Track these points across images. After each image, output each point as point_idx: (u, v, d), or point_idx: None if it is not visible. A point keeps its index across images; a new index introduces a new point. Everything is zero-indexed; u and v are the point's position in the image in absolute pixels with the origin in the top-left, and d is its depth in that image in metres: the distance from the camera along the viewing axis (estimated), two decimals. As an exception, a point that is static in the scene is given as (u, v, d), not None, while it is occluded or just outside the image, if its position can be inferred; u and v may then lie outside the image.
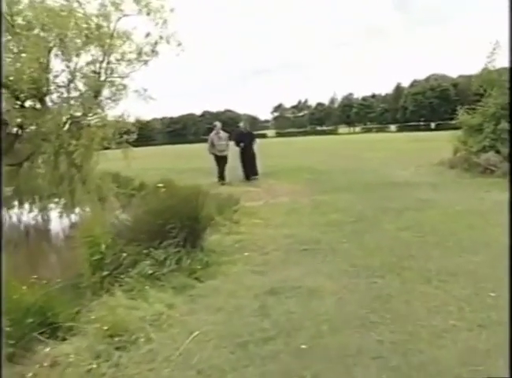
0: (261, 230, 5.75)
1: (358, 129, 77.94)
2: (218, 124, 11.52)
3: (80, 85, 8.24)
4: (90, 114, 7.87)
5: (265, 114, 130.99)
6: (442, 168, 10.54)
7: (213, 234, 5.58)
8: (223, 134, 11.19)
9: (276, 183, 10.36)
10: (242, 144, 11.31)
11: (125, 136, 8.63)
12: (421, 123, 66.75)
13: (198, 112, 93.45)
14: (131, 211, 5.96)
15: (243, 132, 12.00)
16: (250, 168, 11.34)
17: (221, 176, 11.06)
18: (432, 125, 63.12)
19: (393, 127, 69.57)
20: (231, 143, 11.51)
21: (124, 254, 3.98)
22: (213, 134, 11.19)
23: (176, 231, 4.22)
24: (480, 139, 10.26)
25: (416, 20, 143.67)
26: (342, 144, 29.11)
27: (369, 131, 70.86)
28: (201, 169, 14.82)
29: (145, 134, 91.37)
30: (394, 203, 6.75)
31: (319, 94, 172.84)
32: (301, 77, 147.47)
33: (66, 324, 2.99)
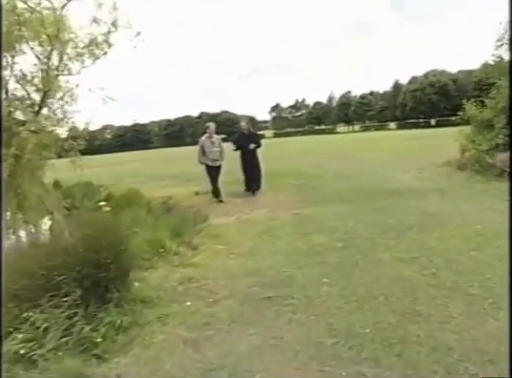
0: (220, 261, 4.43)
1: (356, 127, 76.62)
2: (212, 125, 8.75)
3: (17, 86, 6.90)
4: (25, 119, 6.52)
5: (262, 115, 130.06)
6: (449, 170, 9.19)
7: (158, 268, 4.27)
8: (216, 138, 8.57)
9: (258, 190, 9.04)
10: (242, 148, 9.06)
11: (74, 143, 7.26)
12: (421, 120, 65.47)
13: (195, 113, 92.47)
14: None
15: (244, 134, 9.48)
16: (253, 179, 9.02)
17: (215, 191, 8.53)
18: (432, 122, 61.91)
19: (392, 124, 68.34)
20: (227, 147, 8.96)
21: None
22: (204, 137, 8.55)
23: (75, 279, 2.89)
24: (491, 136, 8.92)
25: (413, 18, 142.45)
26: (339, 144, 27.78)
27: (367, 129, 69.62)
28: (185, 175, 13.55)
29: (142, 137, 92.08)
30: (393, 218, 5.41)
31: (316, 93, 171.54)
32: (298, 76, 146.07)
33: None
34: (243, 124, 10.11)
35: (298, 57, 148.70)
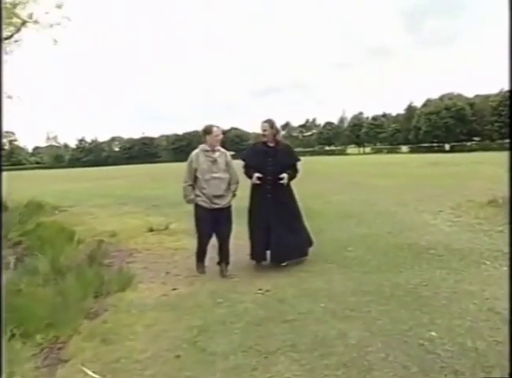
0: None
1: (367, 149, 74.26)
2: (216, 129, 4.40)
3: None
4: None
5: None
6: (498, 212, 6.59)
7: None
8: (222, 154, 4.47)
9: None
10: (257, 175, 4.38)
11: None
12: (435, 144, 62.89)
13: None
14: None
15: (263, 146, 4.59)
16: (282, 247, 4.46)
17: (200, 255, 4.64)
18: (447, 147, 59.27)
19: (405, 147, 65.92)
20: (240, 168, 4.62)
21: None
22: (198, 152, 4.42)
23: None
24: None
25: (428, 41, 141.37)
26: (349, 167, 25.28)
27: (379, 151, 67.24)
28: (158, 199, 11.21)
29: (149, 151, 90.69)
30: (443, 321, 2.90)
31: (328, 113, 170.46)
32: (310, 97, 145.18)
33: None
34: (265, 125, 4.54)
35: (312, 78, 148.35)
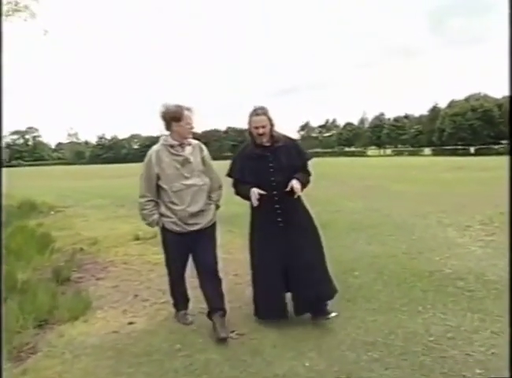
0: None
1: (388, 151, 72.25)
2: (187, 112, 2.91)
3: None
4: None
5: (291, 134, 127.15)
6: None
7: None
8: (194, 151, 3.02)
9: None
10: (256, 192, 2.90)
11: None
12: (459, 147, 60.46)
13: (222, 128, 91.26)
14: None
15: (260, 148, 3.07)
16: (300, 297, 3.04)
17: (178, 301, 3.33)
18: (472, 150, 56.85)
19: (427, 150, 63.70)
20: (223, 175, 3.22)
21: None
22: (159, 148, 2.99)
23: None
24: None
25: (453, 41, 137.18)
26: (368, 169, 24.07)
27: (400, 153, 65.19)
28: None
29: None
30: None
31: (348, 114, 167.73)
32: (330, 97, 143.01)
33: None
34: (260, 119, 2.99)
35: (333, 79, 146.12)
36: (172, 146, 2.96)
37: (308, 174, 3.21)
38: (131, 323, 3.33)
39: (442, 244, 5.21)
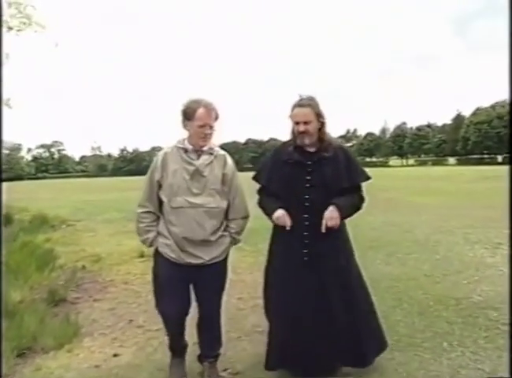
0: None
1: (411, 161, 70.79)
2: (202, 110, 2.21)
3: None
4: None
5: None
6: None
7: None
8: (213, 162, 2.31)
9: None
10: (283, 216, 2.26)
11: None
12: (485, 155, 58.54)
13: (242, 139, 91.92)
14: None
15: (301, 152, 2.32)
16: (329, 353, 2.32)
17: (174, 347, 2.56)
18: (499, 158, 54.89)
19: (452, 159, 62.01)
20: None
21: None
22: (170, 150, 2.33)
23: None
24: None
25: (477, 46, 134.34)
26: (389, 180, 23.29)
27: (423, 163, 63.79)
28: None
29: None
30: None
31: (369, 123, 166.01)
32: (350, 106, 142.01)
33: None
34: (303, 110, 2.22)
35: (354, 88, 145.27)
36: (185, 151, 2.29)
37: (358, 199, 2.45)
38: (116, 355, 3.01)
39: (469, 265, 4.69)
